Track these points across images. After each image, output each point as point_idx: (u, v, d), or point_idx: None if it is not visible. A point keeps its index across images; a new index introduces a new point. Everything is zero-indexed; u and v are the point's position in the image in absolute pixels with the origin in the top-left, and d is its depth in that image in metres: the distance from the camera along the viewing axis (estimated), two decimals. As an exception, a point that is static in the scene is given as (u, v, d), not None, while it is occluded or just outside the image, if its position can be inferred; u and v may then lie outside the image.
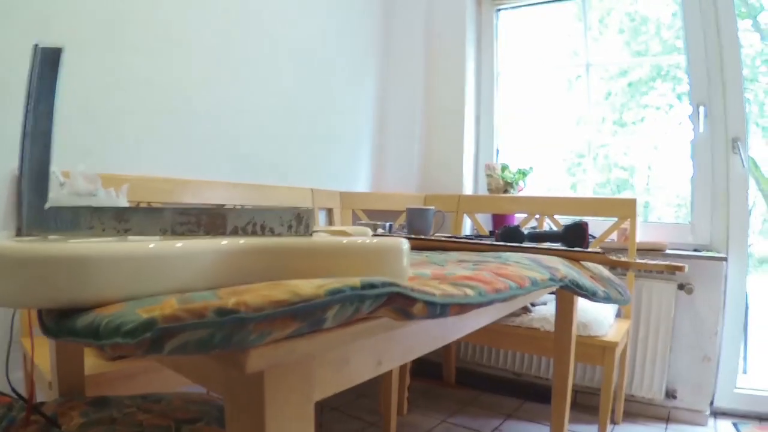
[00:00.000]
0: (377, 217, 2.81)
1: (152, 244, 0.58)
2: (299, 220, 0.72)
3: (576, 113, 3.13)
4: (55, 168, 1.16)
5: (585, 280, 1.29)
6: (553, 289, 1.19)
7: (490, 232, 2.40)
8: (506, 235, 1.75)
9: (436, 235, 2.10)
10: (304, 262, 0.67)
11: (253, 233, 0.70)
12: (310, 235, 0.72)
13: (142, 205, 1.84)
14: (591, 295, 1.29)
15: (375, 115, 3.16)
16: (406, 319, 0.63)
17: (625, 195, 3.07)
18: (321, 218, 2.67)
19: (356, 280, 0.57)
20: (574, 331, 1.82)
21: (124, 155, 1.85)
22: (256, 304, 0.48)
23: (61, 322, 0.55)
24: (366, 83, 3.09)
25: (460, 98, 3.15)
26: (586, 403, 2.65)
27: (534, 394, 2.78)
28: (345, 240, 0.69)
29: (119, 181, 1.77)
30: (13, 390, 1.18)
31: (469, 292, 0.73)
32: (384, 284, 0.59)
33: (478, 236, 2.08)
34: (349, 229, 1.00)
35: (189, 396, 1.20)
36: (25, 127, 0.63)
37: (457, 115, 3.15)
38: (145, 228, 0.66)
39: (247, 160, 2.30)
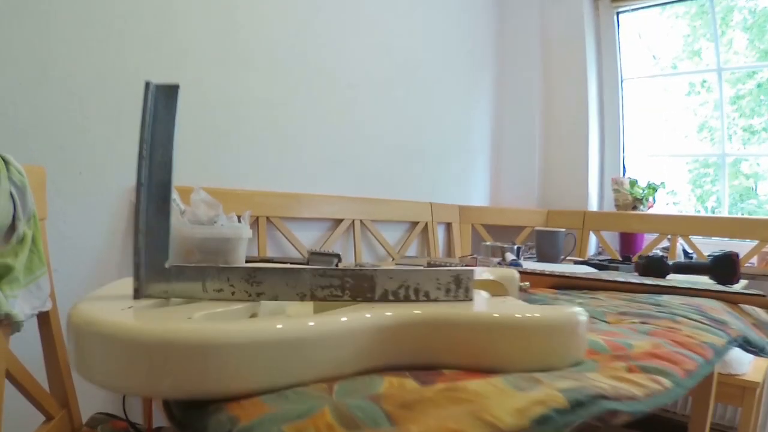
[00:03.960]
0: (497, 233, 2.65)
1: (282, 324, 0.47)
2: (458, 283, 0.59)
3: (699, 120, 2.90)
4: (175, 195, 1.09)
5: (752, 333, 1.11)
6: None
7: (624, 257, 2.21)
8: (650, 266, 1.57)
9: (566, 259, 1.94)
10: (468, 336, 0.55)
11: (406, 298, 0.57)
12: (471, 299, 0.60)
13: (261, 220, 1.78)
14: (759, 351, 1.10)
15: (491, 125, 3.02)
16: (600, 425, 0.49)
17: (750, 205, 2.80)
18: (440, 233, 2.55)
19: (560, 397, 0.44)
20: (715, 371, 1.62)
21: (239, 170, 1.81)
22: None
23: (188, 415, 0.46)
24: (481, 93, 2.96)
25: (583, 107, 2.95)
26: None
27: (662, 429, 2.55)
28: (518, 314, 0.56)
29: (235, 196, 1.73)
30: (127, 420, 1.13)
31: (666, 382, 0.59)
32: (591, 399, 0.45)
33: (611, 261, 1.90)
34: (496, 273, 0.87)
35: None
36: (140, 176, 0.54)
37: (579, 124, 2.95)
38: (281, 291, 0.55)
39: (364, 173, 2.22)
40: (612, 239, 2.84)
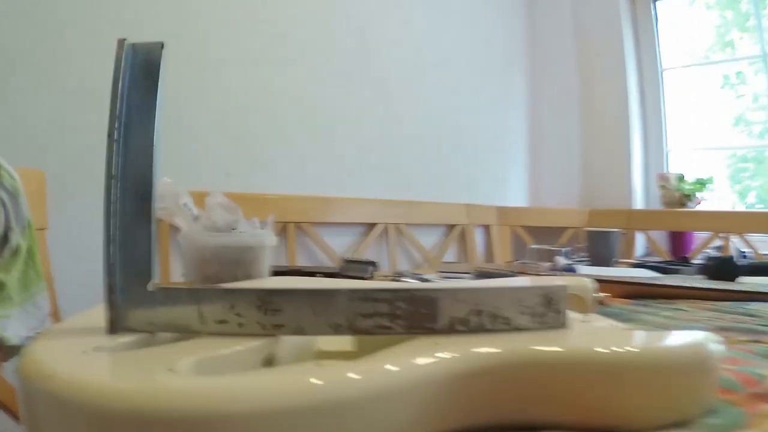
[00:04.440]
0: (537, 235, 2.49)
1: (317, 379, 0.31)
2: (549, 304, 0.43)
3: (735, 113, 2.77)
4: (188, 199, 0.95)
5: None
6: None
7: (683, 258, 2.04)
8: (719, 268, 1.39)
9: (620, 262, 1.77)
10: (576, 381, 0.39)
11: (479, 327, 0.42)
12: (565, 326, 0.44)
13: (289, 226, 1.66)
14: None
15: (528, 123, 2.91)
16: None
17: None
18: (477, 236, 2.40)
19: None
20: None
21: (264, 174, 1.75)
22: None
23: None
24: (517, 90, 2.87)
25: (623, 100, 2.80)
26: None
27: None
28: (643, 347, 0.40)
29: (260, 201, 1.63)
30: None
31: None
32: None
33: (669, 263, 1.74)
34: (568, 283, 0.71)
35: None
36: (111, 166, 0.38)
37: (620, 119, 2.81)
38: (307, 322, 0.40)
39: (396, 175, 2.15)
40: (658, 239, 2.65)
